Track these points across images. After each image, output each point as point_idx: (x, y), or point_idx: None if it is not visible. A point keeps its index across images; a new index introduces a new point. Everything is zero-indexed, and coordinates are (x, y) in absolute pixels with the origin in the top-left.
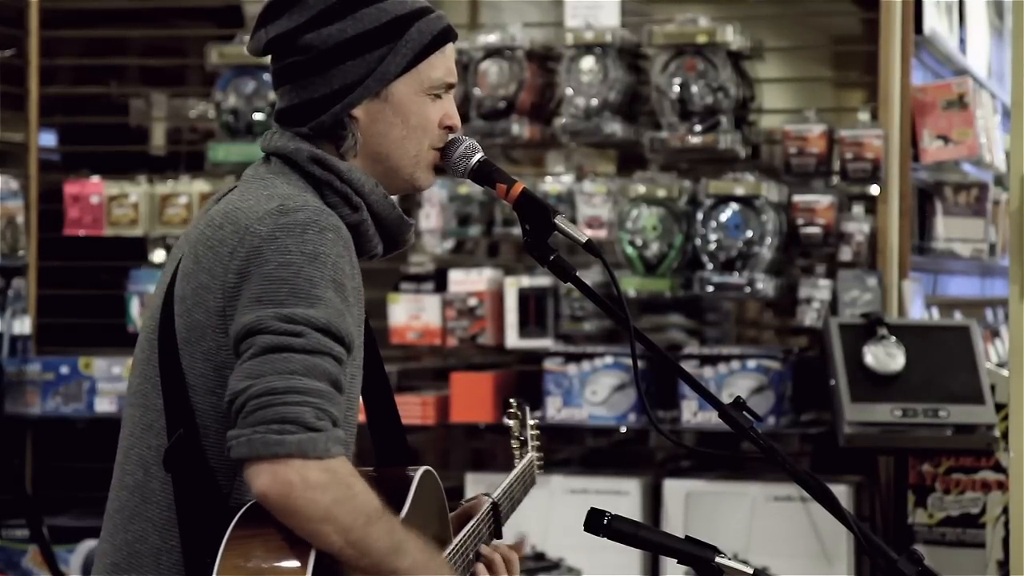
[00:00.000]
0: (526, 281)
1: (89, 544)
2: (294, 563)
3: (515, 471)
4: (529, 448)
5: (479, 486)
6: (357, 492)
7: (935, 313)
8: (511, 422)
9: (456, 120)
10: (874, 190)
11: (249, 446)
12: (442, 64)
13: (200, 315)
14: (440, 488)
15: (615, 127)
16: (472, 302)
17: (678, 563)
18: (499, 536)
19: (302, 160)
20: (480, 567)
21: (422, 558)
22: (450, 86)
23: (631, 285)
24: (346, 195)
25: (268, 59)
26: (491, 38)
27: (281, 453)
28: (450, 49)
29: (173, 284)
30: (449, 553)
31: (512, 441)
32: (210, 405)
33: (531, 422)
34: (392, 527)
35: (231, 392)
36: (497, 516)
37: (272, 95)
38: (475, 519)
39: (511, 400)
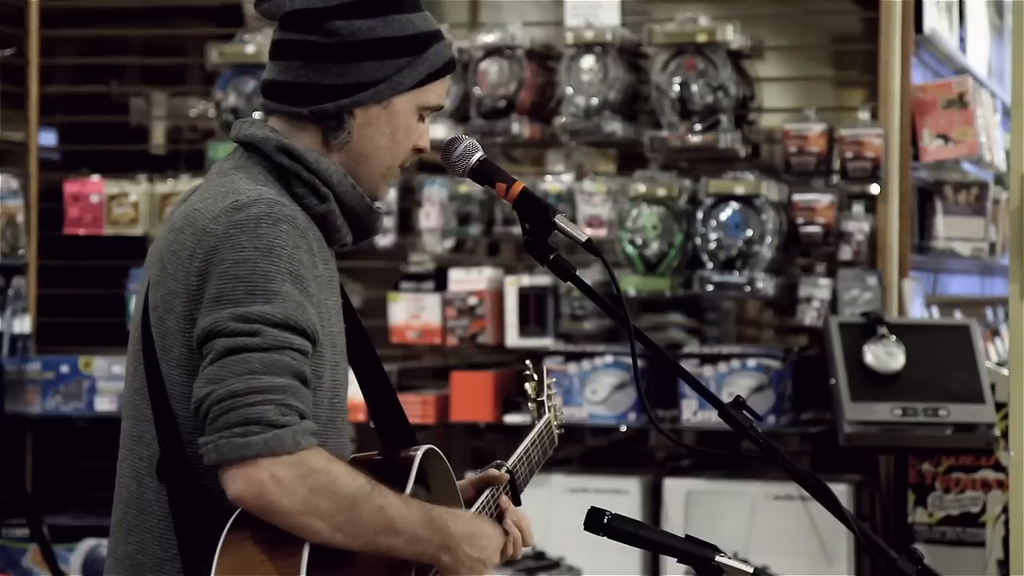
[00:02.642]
0: (526, 280)
1: (89, 543)
2: (288, 562)
3: (531, 434)
4: (546, 410)
5: None
6: (335, 476)
7: (935, 312)
8: (527, 384)
9: (427, 145)
10: (874, 189)
11: (218, 452)
12: (440, 89)
13: (171, 322)
14: (445, 464)
15: (615, 126)
16: (472, 301)
17: (678, 562)
18: (517, 503)
19: (269, 150)
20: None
21: (424, 532)
22: (437, 108)
23: (631, 284)
24: (313, 185)
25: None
26: (491, 37)
27: (248, 455)
28: (448, 79)
29: (148, 294)
30: None
31: (528, 403)
32: (188, 412)
33: (548, 382)
34: (384, 503)
35: (195, 399)
36: (514, 484)
37: None
38: (488, 491)
39: (527, 361)
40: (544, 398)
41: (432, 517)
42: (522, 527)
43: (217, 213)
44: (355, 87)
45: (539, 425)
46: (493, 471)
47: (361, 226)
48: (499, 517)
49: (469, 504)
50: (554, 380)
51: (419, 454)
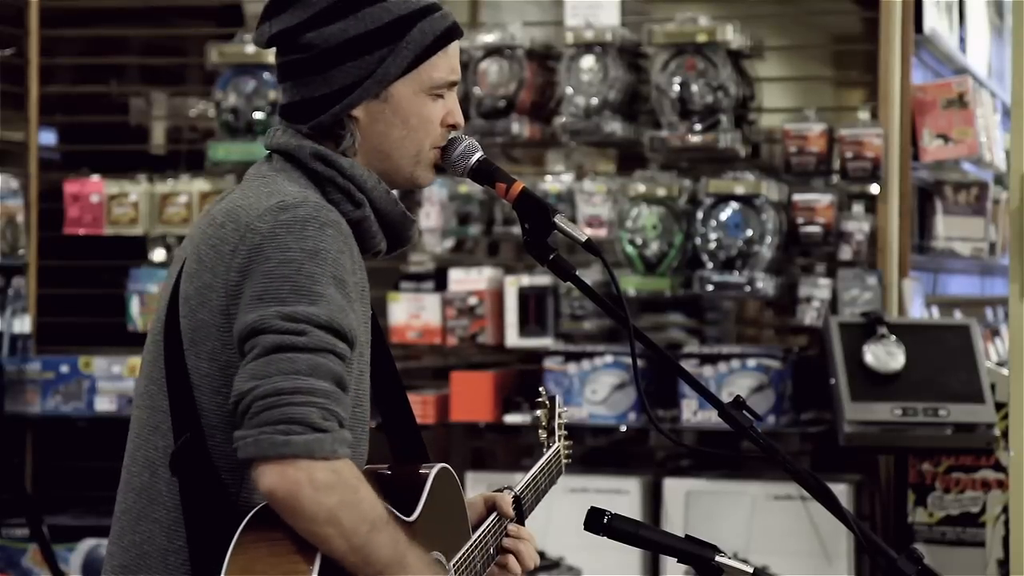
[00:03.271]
0: (526, 280)
1: (89, 543)
2: (300, 568)
3: (540, 462)
4: (556, 438)
5: (479, 485)
6: (362, 497)
7: (935, 312)
8: (539, 412)
9: (459, 119)
10: (874, 189)
11: (256, 446)
12: (444, 64)
13: (204, 315)
14: (457, 484)
15: (615, 126)
16: (472, 301)
17: (678, 562)
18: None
19: (305, 157)
20: (511, 560)
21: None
22: (452, 84)
23: (631, 284)
24: (348, 191)
25: (273, 52)
26: (491, 37)
27: (288, 453)
28: (454, 47)
29: (178, 285)
30: (465, 550)
31: (540, 431)
32: (216, 405)
33: (560, 411)
34: (397, 538)
35: (237, 393)
36: (520, 509)
37: (272, 94)
38: (495, 515)
39: (540, 389)
40: (555, 426)
41: (437, 571)
42: (526, 546)
43: (263, 211)
44: (342, 92)
45: (548, 454)
46: (503, 496)
47: (396, 233)
48: (500, 547)
49: (477, 525)
50: (565, 410)
51: (432, 473)
